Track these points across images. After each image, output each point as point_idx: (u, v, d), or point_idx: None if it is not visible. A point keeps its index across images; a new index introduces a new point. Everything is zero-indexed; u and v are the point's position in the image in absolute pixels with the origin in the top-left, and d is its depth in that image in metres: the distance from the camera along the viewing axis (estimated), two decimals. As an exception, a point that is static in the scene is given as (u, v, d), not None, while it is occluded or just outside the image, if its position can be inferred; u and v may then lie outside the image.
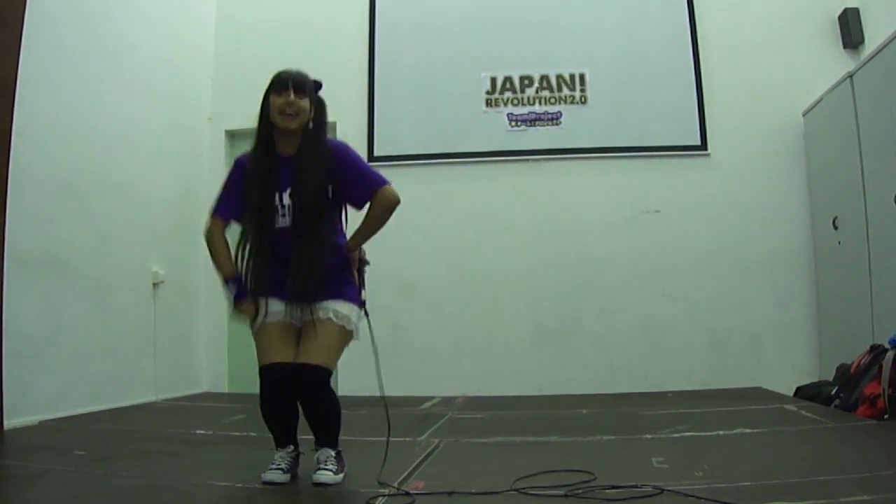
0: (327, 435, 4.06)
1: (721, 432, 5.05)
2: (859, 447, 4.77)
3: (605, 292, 8.37)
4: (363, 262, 4.36)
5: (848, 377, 6.29)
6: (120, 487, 3.79)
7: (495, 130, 8.89)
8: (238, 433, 5.85)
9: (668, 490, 3.46)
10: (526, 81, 8.93)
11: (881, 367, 5.66)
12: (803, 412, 6.18)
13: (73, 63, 6.77)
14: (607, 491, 3.51)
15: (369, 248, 8.53)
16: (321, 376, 3.95)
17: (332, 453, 4.02)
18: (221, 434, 5.81)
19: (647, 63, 8.58)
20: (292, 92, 4.00)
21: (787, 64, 8.60)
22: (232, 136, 9.24)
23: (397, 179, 8.58)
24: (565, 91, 8.86)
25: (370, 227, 4.25)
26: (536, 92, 8.90)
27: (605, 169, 8.50)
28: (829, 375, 7.14)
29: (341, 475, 3.98)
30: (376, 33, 9.09)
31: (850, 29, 8.40)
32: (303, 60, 8.97)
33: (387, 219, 4.26)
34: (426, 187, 8.78)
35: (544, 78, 8.90)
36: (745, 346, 8.15)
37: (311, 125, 4.06)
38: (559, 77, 8.89)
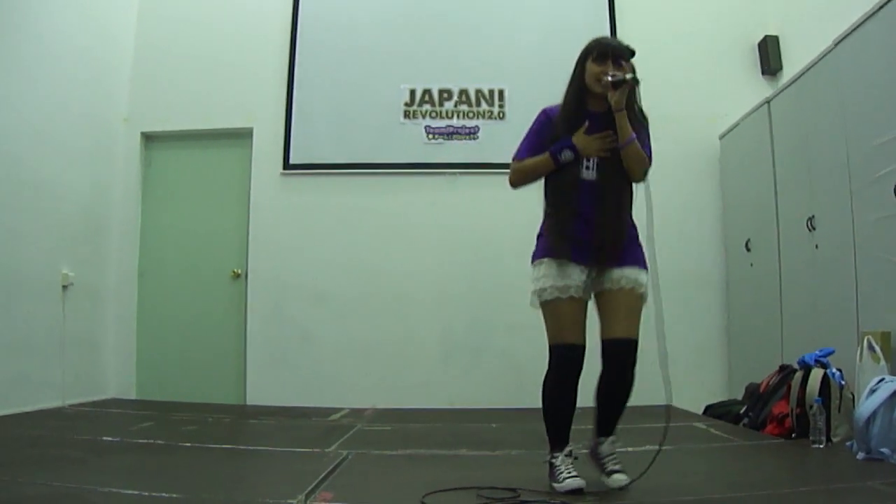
0: (617, 418, 4.17)
1: (630, 449, 5.07)
2: (766, 465, 4.85)
3: (517, 307, 8.32)
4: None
5: (757, 396, 6.37)
6: (22, 495, 3.70)
7: (412, 142, 8.88)
8: (145, 440, 5.74)
9: (576, 506, 3.49)
10: (445, 95, 8.94)
11: (790, 387, 5.74)
12: (712, 430, 6.27)
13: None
14: (516, 506, 3.53)
15: (282, 259, 8.47)
16: (634, 348, 4.08)
17: (616, 443, 4.13)
18: (129, 441, 5.70)
19: (565, 82, 8.52)
20: (611, 62, 4.02)
21: (706, 88, 8.76)
22: (148, 138, 9.12)
23: (312, 189, 8.60)
24: (484, 106, 8.90)
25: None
26: (455, 106, 8.92)
27: (520, 185, 8.47)
28: (738, 394, 7.23)
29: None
30: (297, 40, 9.05)
31: (769, 56, 8.59)
32: (223, 66, 9.01)
33: (636, 172, 4.13)
34: (341, 198, 8.78)
35: (463, 92, 8.93)
36: (656, 364, 8.20)
37: None
38: (478, 92, 8.94)
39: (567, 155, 4.03)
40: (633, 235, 4.19)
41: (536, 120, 4.29)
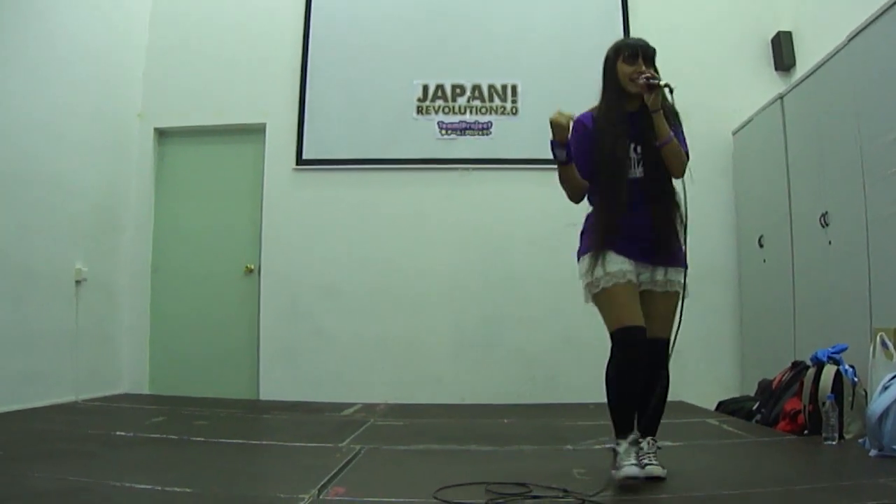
0: (656, 420, 4.19)
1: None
2: (779, 461, 4.85)
3: (529, 303, 8.37)
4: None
5: (769, 393, 6.36)
6: (36, 488, 3.72)
7: (425, 138, 8.88)
8: (158, 435, 5.77)
9: (589, 500, 3.49)
10: (458, 90, 8.94)
11: (802, 383, 5.73)
12: (724, 426, 6.27)
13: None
14: (528, 501, 3.53)
15: (295, 254, 8.46)
16: (667, 348, 4.14)
17: (656, 444, 4.14)
18: (141, 436, 5.72)
19: (578, 77, 8.27)
20: (643, 61, 4.12)
21: (719, 84, 8.73)
22: (162, 134, 9.15)
23: (325, 184, 8.60)
24: (496, 101, 8.89)
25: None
26: (468, 101, 8.92)
27: (532, 180, 8.43)
28: (751, 391, 7.23)
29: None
30: (310, 36, 9.05)
31: (782, 52, 8.56)
32: (236, 61, 9.01)
33: (676, 168, 4.14)
34: (354, 192, 8.80)
35: (476, 87, 8.93)
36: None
37: None
38: (491, 87, 8.93)
39: (559, 154, 4.06)
40: (676, 232, 4.24)
41: (573, 132, 4.24)
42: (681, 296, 4.13)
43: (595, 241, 4.14)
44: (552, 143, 4.02)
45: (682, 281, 4.13)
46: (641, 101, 4.10)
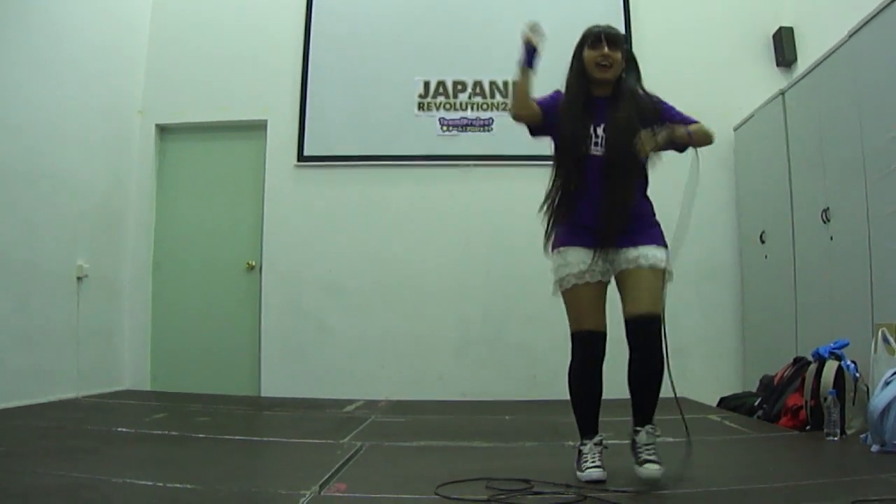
0: (651, 403, 4.08)
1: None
2: (781, 457, 4.85)
3: (532, 299, 8.32)
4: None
5: (771, 389, 6.37)
6: (38, 485, 3.72)
7: (427, 134, 8.87)
8: (159, 431, 5.76)
9: (591, 497, 3.49)
10: (459, 87, 8.94)
11: (804, 379, 5.73)
12: (726, 422, 6.27)
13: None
14: (530, 497, 3.52)
15: (297, 250, 8.47)
16: (658, 325, 4.02)
17: (655, 433, 4.00)
18: (143, 432, 5.72)
19: None
20: (606, 45, 4.15)
21: (720, 79, 8.73)
22: (163, 130, 9.14)
23: (327, 180, 8.59)
24: (498, 98, 8.88)
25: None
26: (469, 98, 8.91)
27: (534, 177, 8.28)
28: (753, 387, 7.23)
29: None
30: (311, 33, 9.04)
31: (783, 47, 8.54)
32: (238, 57, 9.01)
33: (704, 141, 4.41)
34: (356, 189, 8.79)
35: (477, 84, 8.92)
36: (670, 356, 8.17)
37: (623, 75, 4.23)
38: (492, 83, 8.92)
39: (525, 59, 4.26)
40: (646, 213, 4.23)
41: (550, 95, 4.36)
42: (663, 272, 4.07)
43: (561, 235, 4.18)
44: (526, 46, 4.22)
45: (659, 256, 4.07)
46: (613, 87, 4.17)
